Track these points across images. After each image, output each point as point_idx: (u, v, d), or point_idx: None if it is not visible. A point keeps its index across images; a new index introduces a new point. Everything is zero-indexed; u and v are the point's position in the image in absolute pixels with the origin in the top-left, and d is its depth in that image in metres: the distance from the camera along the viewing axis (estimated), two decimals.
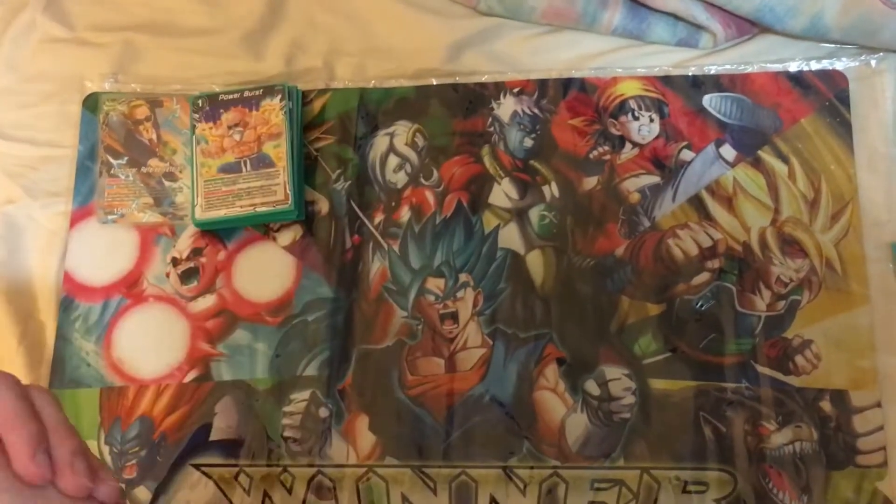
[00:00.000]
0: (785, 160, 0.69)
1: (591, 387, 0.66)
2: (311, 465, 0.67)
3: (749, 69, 0.72)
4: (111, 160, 0.75)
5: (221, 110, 0.73)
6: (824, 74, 0.71)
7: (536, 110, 0.73)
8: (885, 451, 0.63)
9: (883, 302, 0.66)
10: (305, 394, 0.68)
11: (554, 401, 0.66)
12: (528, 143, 0.72)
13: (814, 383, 0.65)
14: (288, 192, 0.70)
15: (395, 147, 0.74)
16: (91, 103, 0.77)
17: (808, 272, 0.67)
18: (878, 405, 0.64)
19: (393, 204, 0.72)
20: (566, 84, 0.74)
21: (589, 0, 0.73)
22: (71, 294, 0.72)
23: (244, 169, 0.71)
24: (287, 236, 0.72)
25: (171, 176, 0.74)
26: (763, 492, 0.63)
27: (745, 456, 0.64)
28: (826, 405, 0.64)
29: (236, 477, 0.67)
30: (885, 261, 0.67)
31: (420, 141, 0.74)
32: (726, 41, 0.72)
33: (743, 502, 0.63)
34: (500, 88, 0.74)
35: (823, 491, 0.63)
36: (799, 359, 0.65)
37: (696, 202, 0.69)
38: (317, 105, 0.76)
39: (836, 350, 0.65)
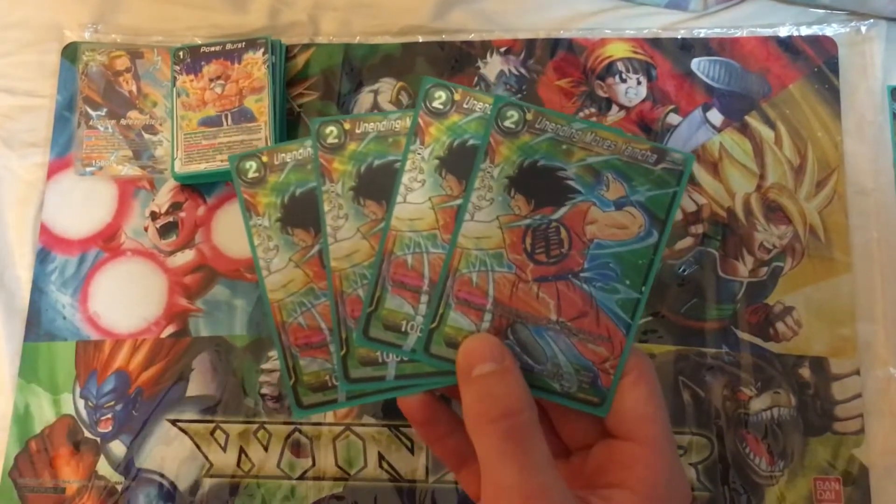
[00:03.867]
0: (772, 126, 0.69)
1: None
2: (288, 423, 0.66)
3: (739, 33, 0.71)
4: (90, 111, 0.73)
5: (203, 62, 0.72)
6: (814, 40, 0.70)
7: (523, 70, 0.72)
8: (862, 419, 0.63)
9: (865, 270, 0.66)
10: None
11: None
12: None
13: (794, 350, 0.65)
14: None
15: (379, 104, 0.73)
16: (70, 53, 0.76)
17: (791, 239, 0.67)
18: (857, 373, 0.64)
19: None
20: (554, 44, 0.73)
21: None
22: (47, 246, 0.71)
23: (225, 123, 0.70)
24: None
25: (150, 129, 0.73)
26: (740, 457, 0.63)
27: (723, 421, 0.64)
28: (805, 372, 0.64)
29: (212, 433, 0.66)
30: (868, 229, 0.67)
31: (405, 99, 0.73)
32: (717, 4, 0.72)
33: (720, 467, 0.63)
34: (486, 47, 0.73)
35: (800, 457, 0.63)
36: (780, 325, 0.65)
37: None
38: (300, 60, 0.75)
39: (816, 317, 0.65)
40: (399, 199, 0.39)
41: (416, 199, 0.39)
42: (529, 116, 0.38)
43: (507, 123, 0.38)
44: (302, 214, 0.41)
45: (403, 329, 0.39)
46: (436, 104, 0.39)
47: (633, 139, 0.38)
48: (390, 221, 0.39)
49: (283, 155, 0.41)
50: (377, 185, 0.40)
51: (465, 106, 0.39)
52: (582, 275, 0.38)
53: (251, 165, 0.41)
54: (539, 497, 0.34)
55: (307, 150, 0.41)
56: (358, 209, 0.40)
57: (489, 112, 0.39)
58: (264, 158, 0.41)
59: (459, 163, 0.39)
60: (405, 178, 0.39)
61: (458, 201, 0.39)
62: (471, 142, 0.39)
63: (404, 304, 0.39)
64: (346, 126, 0.40)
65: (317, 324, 0.41)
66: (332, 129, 0.41)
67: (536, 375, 0.39)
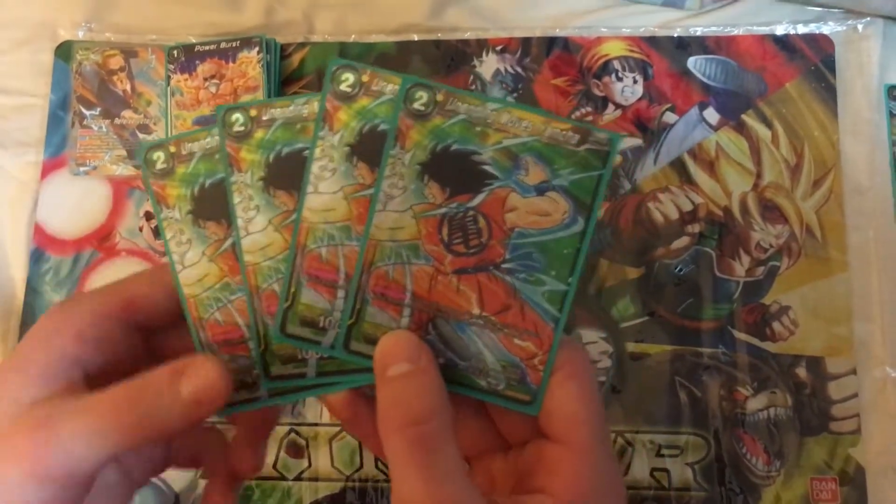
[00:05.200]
0: (769, 125, 0.69)
1: None
2: (283, 423, 0.66)
3: (735, 31, 0.71)
4: (84, 111, 0.73)
5: (197, 61, 0.71)
6: (811, 38, 0.70)
7: (519, 69, 0.72)
8: (858, 418, 0.63)
9: (861, 269, 0.66)
10: None
11: None
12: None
13: (790, 350, 0.65)
14: None
15: None
16: (64, 52, 0.75)
17: (787, 238, 0.67)
18: (853, 372, 0.64)
19: None
20: (550, 43, 0.72)
21: None
22: (41, 246, 0.71)
23: None
24: None
25: (145, 128, 0.73)
26: (737, 457, 0.63)
27: (720, 421, 0.64)
28: (801, 371, 0.64)
29: None
30: (865, 228, 0.66)
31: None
32: (713, 2, 0.71)
33: (716, 467, 0.63)
34: (482, 46, 0.73)
35: (797, 457, 0.63)
36: (776, 325, 0.65)
37: (678, 165, 0.69)
38: (295, 59, 0.74)
39: (813, 317, 0.65)
40: (310, 188, 0.37)
41: (328, 188, 0.37)
42: (440, 97, 0.36)
43: (417, 105, 0.36)
44: (213, 206, 0.39)
45: (321, 325, 0.37)
46: (343, 87, 0.37)
47: (553, 118, 0.35)
48: (302, 213, 0.37)
49: (191, 144, 0.39)
50: (287, 175, 0.38)
51: (374, 88, 0.36)
52: (504, 266, 0.36)
53: (159, 156, 0.39)
54: None
55: (215, 139, 0.39)
56: (269, 200, 0.38)
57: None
58: (172, 149, 0.39)
59: (371, 150, 0.37)
60: (315, 167, 0.37)
61: (371, 191, 0.37)
62: (382, 127, 0.36)
63: (321, 299, 0.37)
64: (252, 113, 0.38)
65: (234, 320, 0.39)
66: (237, 117, 0.38)
67: (461, 372, 0.37)
